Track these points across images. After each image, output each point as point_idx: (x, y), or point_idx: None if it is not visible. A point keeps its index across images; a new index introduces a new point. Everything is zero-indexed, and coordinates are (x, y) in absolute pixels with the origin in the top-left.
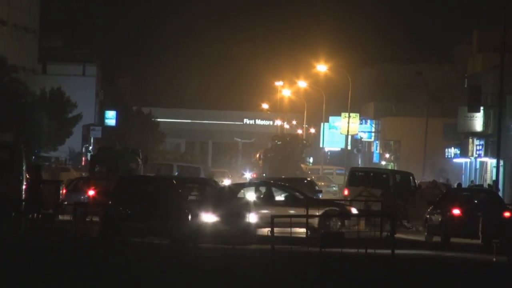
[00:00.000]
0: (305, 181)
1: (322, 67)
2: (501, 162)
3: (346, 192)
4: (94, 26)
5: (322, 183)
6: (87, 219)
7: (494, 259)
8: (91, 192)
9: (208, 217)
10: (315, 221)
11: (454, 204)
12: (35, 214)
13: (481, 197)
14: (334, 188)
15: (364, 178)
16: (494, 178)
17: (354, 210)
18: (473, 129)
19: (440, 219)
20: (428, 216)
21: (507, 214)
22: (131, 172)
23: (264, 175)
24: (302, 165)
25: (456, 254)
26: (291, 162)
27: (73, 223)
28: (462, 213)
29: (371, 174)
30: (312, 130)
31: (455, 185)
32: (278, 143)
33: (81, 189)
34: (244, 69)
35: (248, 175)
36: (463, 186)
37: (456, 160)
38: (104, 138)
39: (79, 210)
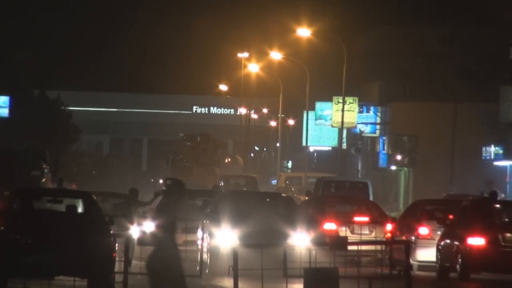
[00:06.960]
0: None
1: (304, 32)
2: None
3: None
4: None
5: (306, 198)
6: None
7: None
8: None
9: None
10: None
11: None
12: None
13: None
14: None
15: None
16: None
17: None
18: None
19: None
20: None
21: None
22: (32, 183)
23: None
24: (217, 169)
25: None
26: (201, 166)
27: None
28: None
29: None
30: (291, 122)
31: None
32: (188, 143)
33: None
34: (195, 37)
35: None
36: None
37: (497, 163)
38: None
39: None
